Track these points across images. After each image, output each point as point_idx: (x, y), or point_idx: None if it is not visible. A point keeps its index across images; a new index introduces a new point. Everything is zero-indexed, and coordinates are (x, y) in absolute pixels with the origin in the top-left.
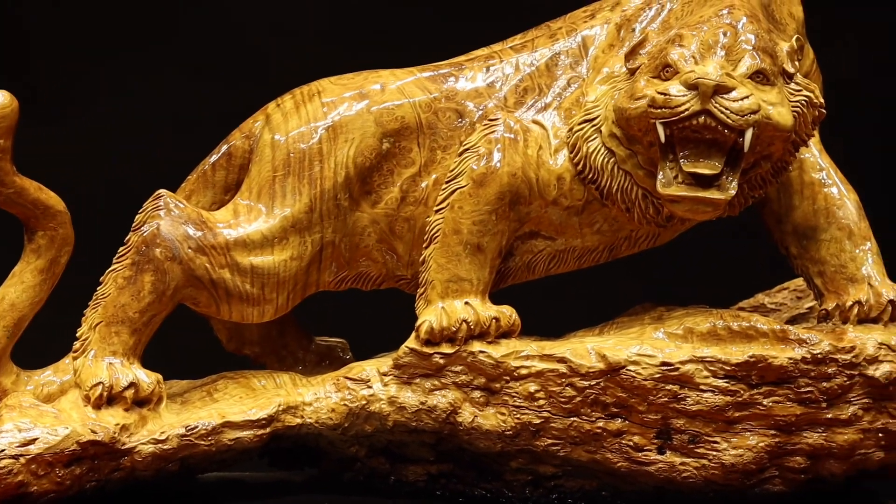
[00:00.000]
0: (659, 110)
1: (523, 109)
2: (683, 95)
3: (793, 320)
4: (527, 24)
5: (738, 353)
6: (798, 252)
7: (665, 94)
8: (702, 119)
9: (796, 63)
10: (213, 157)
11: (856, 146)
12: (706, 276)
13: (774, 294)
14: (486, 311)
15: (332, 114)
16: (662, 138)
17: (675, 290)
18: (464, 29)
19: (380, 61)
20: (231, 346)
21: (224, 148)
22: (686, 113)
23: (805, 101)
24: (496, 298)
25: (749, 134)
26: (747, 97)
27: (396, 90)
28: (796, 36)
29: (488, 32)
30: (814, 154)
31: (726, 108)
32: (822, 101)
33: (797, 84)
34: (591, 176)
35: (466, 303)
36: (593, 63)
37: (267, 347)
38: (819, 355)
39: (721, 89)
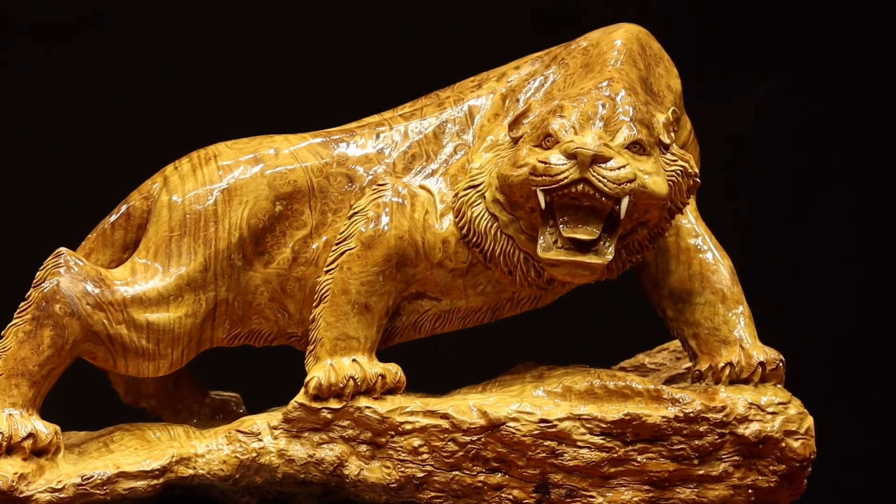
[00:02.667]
0: (540, 178)
1: (411, 175)
2: (563, 164)
3: (671, 380)
4: (419, 91)
5: (613, 411)
6: (674, 315)
7: (546, 163)
8: (580, 187)
9: (672, 134)
10: (113, 217)
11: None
12: (590, 337)
13: (654, 354)
14: (373, 368)
15: (227, 177)
16: (543, 205)
17: (559, 351)
18: (358, 95)
19: (277, 125)
20: (128, 399)
21: (123, 208)
22: (565, 181)
23: (680, 170)
24: (383, 356)
25: (625, 202)
26: (624, 166)
27: (290, 155)
28: (672, 108)
29: (382, 98)
30: (690, 221)
31: (604, 177)
32: (696, 170)
33: (673, 154)
34: (475, 240)
35: (354, 360)
36: (479, 131)
37: (163, 401)
38: (691, 414)
39: (599, 159)
